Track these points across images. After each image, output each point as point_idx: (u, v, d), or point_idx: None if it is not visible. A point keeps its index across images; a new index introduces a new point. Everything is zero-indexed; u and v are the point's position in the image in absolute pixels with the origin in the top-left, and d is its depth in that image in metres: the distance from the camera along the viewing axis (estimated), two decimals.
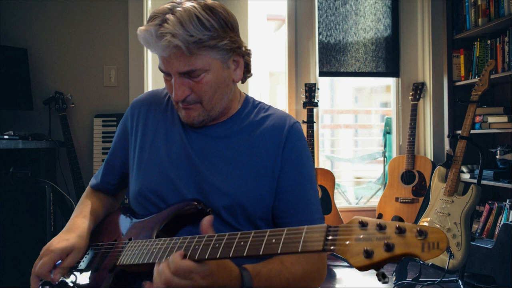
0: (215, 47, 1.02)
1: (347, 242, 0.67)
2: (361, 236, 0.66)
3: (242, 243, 0.80)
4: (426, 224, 2.62)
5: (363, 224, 0.67)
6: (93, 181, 1.31)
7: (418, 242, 0.61)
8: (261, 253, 0.77)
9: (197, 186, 1.09)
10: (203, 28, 0.99)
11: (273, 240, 0.76)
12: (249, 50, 1.12)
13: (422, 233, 0.62)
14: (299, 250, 0.71)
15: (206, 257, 0.82)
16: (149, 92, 1.27)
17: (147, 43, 1.01)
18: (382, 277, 0.64)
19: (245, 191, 1.08)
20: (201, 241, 0.85)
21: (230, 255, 0.79)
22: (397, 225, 0.64)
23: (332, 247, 0.68)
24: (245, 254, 0.78)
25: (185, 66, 1.01)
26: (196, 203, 1.04)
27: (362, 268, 0.64)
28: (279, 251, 0.74)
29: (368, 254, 0.63)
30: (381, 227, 0.65)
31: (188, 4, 1.01)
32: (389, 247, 0.62)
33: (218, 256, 0.81)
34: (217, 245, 0.82)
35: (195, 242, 0.86)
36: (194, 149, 1.12)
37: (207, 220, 0.87)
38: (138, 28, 1.03)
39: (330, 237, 0.69)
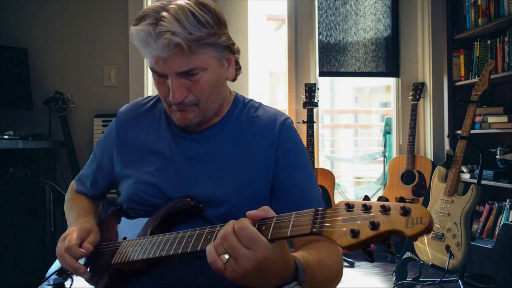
0: (214, 44, 0.98)
1: (334, 224, 0.68)
2: (348, 217, 0.68)
3: None
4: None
5: (349, 206, 0.69)
6: (79, 187, 1.29)
7: (402, 219, 0.63)
8: None
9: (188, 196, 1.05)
10: (200, 25, 0.95)
11: (263, 228, 0.76)
12: (238, 47, 1.08)
13: (405, 210, 0.63)
14: (288, 234, 0.72)
15: (198, 249, 0.83)
16: (132, 103, 1.23)
17: (144, 43, 0.95)
18: (368, 256, 0.66)
19: (238, 200, 1.03)
20: (193, 234, 0.86)
21: None
22: (382, 204, 0.66)
23: (319, 230, 0.69)
24: None
25: (184, 65, 0.97)
26: (189, 199, 1.03)
27: (349, 248, 0.65)
28: (269, 238, 0.74)
29: (354, 233, 0.65)
30: (366, 208, 0.67)
31: (180, 1, 0.96)
32: (374, 226, 0.64)
33: None
34: (209, 236, 0.83)
35: (188, 235, 0.87)
36: (184, 156, 1.08)
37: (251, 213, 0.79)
38: (130, 28, 0.97)
39: (318, 220, 0.71)
